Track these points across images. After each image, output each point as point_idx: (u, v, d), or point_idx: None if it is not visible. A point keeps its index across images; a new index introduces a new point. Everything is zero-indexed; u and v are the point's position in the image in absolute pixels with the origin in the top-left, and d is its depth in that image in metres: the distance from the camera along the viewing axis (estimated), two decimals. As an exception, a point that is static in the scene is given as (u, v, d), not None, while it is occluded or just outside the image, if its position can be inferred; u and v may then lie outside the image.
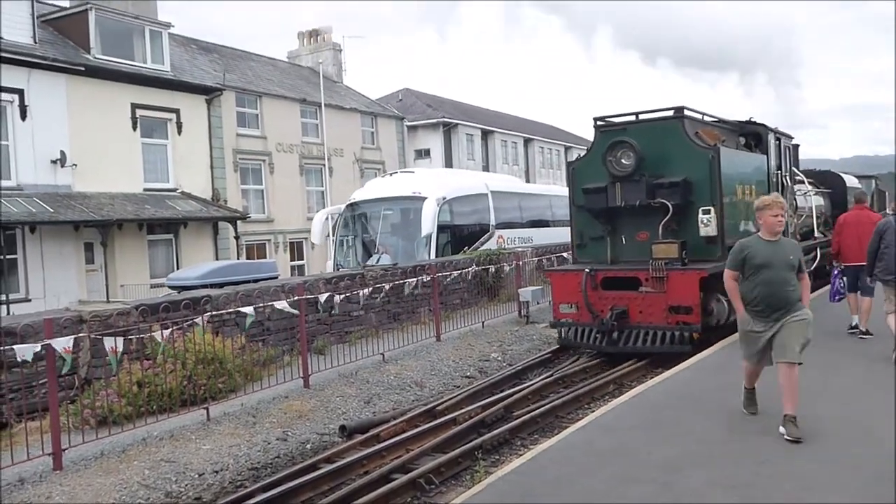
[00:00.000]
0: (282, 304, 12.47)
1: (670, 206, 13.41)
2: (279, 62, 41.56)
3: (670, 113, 14.14)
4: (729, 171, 13.85)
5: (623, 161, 13.63)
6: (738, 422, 7.75)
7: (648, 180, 13.64)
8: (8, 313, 20.80)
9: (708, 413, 8.10)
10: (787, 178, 17.55)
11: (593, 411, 9.46)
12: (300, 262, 35.84)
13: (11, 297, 23.16)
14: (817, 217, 20.19)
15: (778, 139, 17.06)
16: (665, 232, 13.68)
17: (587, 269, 13.63)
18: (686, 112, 14.15)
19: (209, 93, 31.45)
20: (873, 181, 28.84)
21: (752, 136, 16.27)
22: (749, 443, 6.91)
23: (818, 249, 19.04)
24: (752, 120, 16.60)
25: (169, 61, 30.61)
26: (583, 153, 16.09)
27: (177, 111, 30.13)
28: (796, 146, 21.58)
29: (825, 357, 10.33)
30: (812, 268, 18.16)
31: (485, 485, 6.45)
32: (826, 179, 22.63)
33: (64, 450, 8.84)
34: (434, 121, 47.76)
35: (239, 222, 30.85)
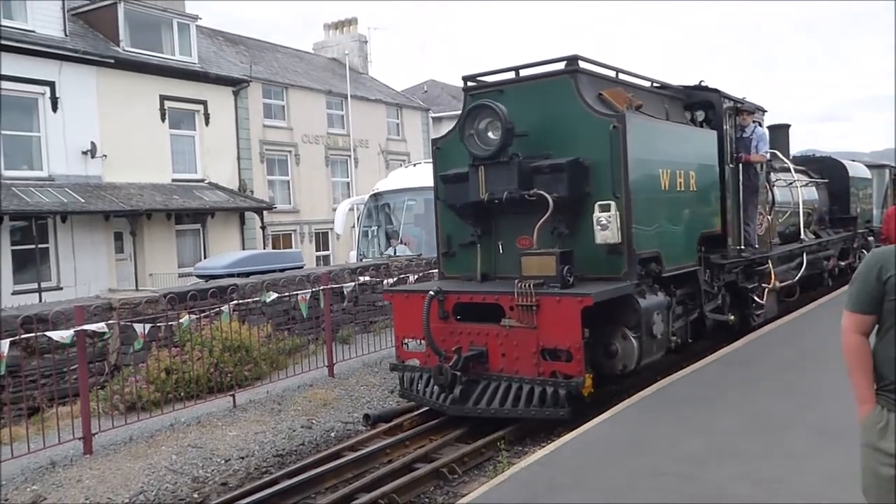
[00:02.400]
0: (306, 294, 11.98)
1: (550, 200, 8.56)
2: (305, 54, 39.57)
3: (561, 66, 9.25)
4: (645, 149, 9.04)
5: (489, 135, 8.96)
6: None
7: (523, 163, 8.87)
8: (40, 300, 19.61)
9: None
10: (758, 164, 11.91)
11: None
12: (325, 253, 33.67)
13: (43, 285, 21.78)
14: (807, 214, 15.35)
15: (737, 110, 11.77)
16: (545, 237, 8.92)
17: (431, 291, 8.91)
18: (582, 64, 9.16)
19: (236, 84, 29.41)
20: (887, 171, 22.25)
21: (704, 106, 11.29)
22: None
23: (804, 256, 14.37)
24: (702, 84, 11.50)
25: (196, 53, 28.52)
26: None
27: (204, 102, 28.13)
28: (786, 126, 17.06)
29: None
30: (797, 278, 13.83)
31: (508, 475, 6.14)
32: (823, 168, 17.74)
33: (94, 434, 8.66)
34: (459, 112, 47.64)
35: (265, 213, 28.80)
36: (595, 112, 8.92)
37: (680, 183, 9.81)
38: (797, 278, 13.95)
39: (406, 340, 9.59)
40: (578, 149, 8.99)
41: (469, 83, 10.06)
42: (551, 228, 8.99)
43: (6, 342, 8.32)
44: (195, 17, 29.06)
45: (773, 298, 12.87)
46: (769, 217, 12.77)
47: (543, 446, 7.60)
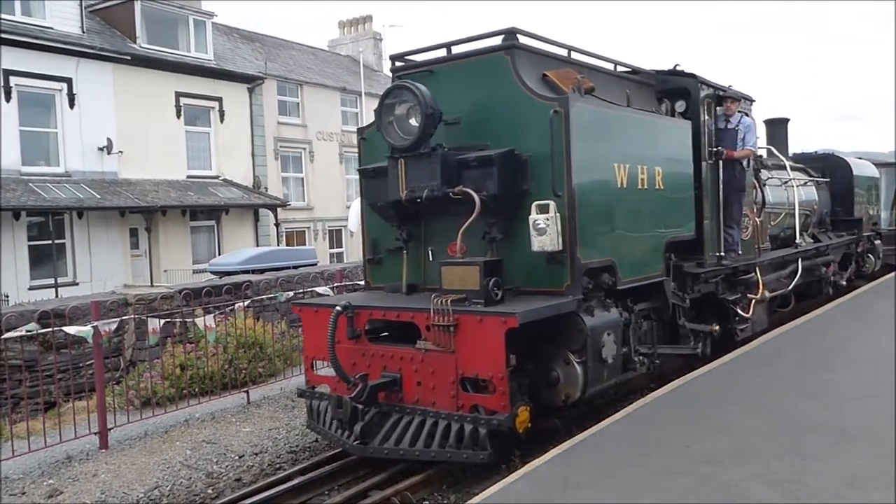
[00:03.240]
0: (323, 290, 11.20)
1: (477, 200, 6.67)
2: (320, 51, 37.44)
3: (498, 42, 7.21)
4: (596, 139, 7.05)
5: (411, 122, 6.97)
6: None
7: (448, 155, 6.94)
8: (56, 296, 19.01)
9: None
10: (744, 160, 9.70)
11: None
12: (339, 250, 32.09)
13: (60, 280, 20.81)
14: (804, 216, 12.97)
15: (719, 99, 9.51)
16: (476, 244, 7.04)
17: (338, 307, 6.91)
18: (522, 39, 7.20)
19: (251, 81, 27.74)
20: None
21: (683, 95, 9.10)
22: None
23: (799, 262, 12.04)
24: (678, 69, 9.26)
25: (212, 50, 27.00)
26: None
27: (219, 99, 26.56)
28: (784, 120, 14.92)
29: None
30: (790, 287, 11.60)
31: (522, 472, 5.64)
32: (826, 166, 15.18)
33: (109, 429, 8.25)
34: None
35: (279, 209, 27.42)
36: (535, 95, 6.91)
37: (642, 181, 7.73)
38: (791, 287, 11.76)
39: (316, 362, 7.63)
40: (517, 139, 7.01)
41: (397, 63, 8.08)
42: (483, 233, 7.03)
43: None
44: (211, 14, 27.49)
45: (762, 309, 10.81)
46: (758, 220, 10.66)
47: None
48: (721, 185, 9.28)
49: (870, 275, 16.21)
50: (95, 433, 8.17)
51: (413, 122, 6.93)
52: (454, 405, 6.45)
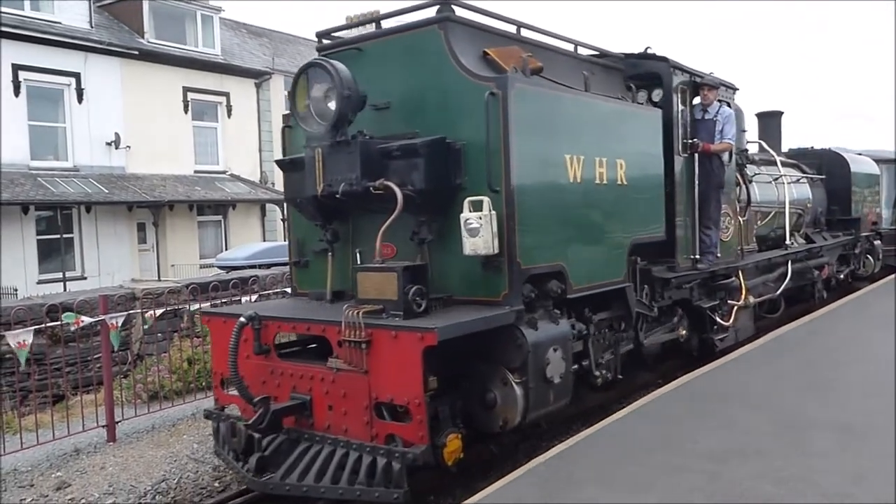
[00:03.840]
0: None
1: (399, 195, 5.43)
2: None
3: (432, 13, 5.94)
4: (542, 126, 5.79)
5: (329, 106, 5.66)
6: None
7: (370, 144, 5.67)
8: (65, 290, 18.32)
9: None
10: (725, 153, 8.33)
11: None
12: None
13: (68, 274, 20.11)
14: (796, 215, 11.64)
15: (695, 86, 8.18)
16: (405, 246, 5.90)
17: (243, 317, 5.70)
18: (458, 11, 5.94)
19: (258, 76, 26.72)
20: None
21: (656, 81, 7.85)
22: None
23: (789, 265, 10.67)
24: (650, 52, 7.94)
25: (220, 45, 26.00)
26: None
27: (227, 94, 25.47)
28: (778, 113, 13.28)
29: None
30: (779, 292, 10.39)
31: (526, 469, 5.30)
32: (822, 162, 13.67)
33: (117, 422, 7.92)
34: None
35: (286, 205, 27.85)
36: (470, 75, 5.66)
37: (600, 174, 6.48)
38: (779, 292, 10.42)
39: (224, 379, 6.38)
40: (451, 125, 5.77)
41: (323, 41, 6.86)
42: (411, 233, 5.82)
43: (30, 331, 7.64)
44: (219, 10, 26.38)
45: (747, 316, 9.52)
46: (742, 219, 9.35)
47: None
48: (697, 182, 7.99)
49: (868, 277, 14.71)
50: (103, 426, 7.88)
51: (332, 105, 5.69)
52: (368, 434, 5.25)
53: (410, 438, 5.02)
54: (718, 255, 8.32)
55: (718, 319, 8.52)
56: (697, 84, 8.19)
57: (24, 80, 20.31)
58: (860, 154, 15.19)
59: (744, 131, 10.72)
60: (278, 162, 6.66)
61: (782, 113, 13.40)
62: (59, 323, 8.20)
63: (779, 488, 4.65)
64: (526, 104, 5.64)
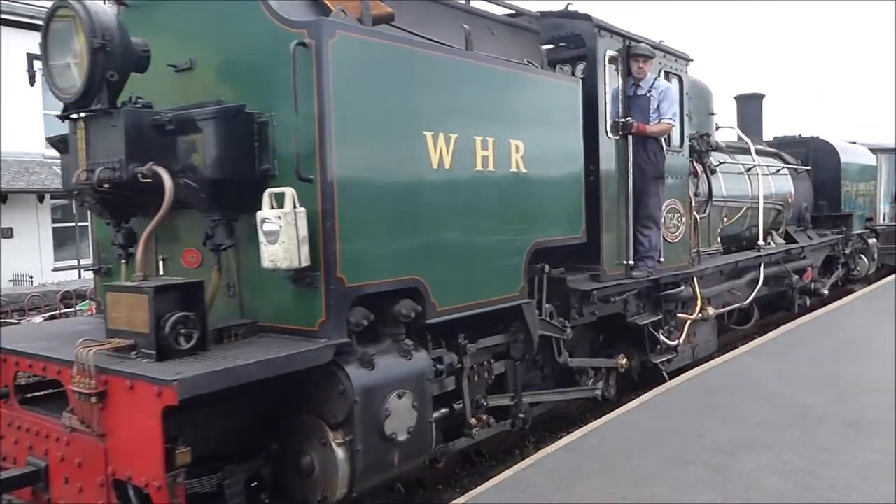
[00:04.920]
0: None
1: (167, 185, 3.78)
2: None
3: None
4: (386, 92, 4.10)
5: (76, 61, 3.95)
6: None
7: (138, 115, 3.96)
8: (79, 277, 18.37)
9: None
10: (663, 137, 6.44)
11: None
12: None
13: (83, 262, 18.87)
14: (775, 211, 9.78)
15: (629, 53, 6.21)
16: (204, 252, 4.31)
17: None
18: None
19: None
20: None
21: (577, 44, 6.06)
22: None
23: (761, 269, 8.82)
24: (570, 9, 6.19)
25: None
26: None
27: None
28: (758, 96, 11.43)
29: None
30: (748, 300, 8.62)
31: (533, 459, 5.02)
32: (808, 151, 11.68)
33: None
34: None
35: None
36: (280, 21, 3.94)
37: (483, 159, 4.70)
38: (749, 300, 8.61)
39: None
40: (259, 91, 4.06)
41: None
42: (204, 237, 4.09)
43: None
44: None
45: (709, 330, 7.77)
46: (698, 216, 7.56)
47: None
48: (631, 170, 6.22)
49: (863, 279, 12.77)
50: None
51: (79, 61, 3.99)
52: (111, 516, 3.58)
53: (158, 535, 3.33)
54: (662, 259, 6.55)
55: (662, 337, 6.76)
56: (632, 52, 6.27)
57: (39, 69, 18.58)
58: (855, 143, 13.22)
59: (712, 114, 8.92)
60: (49, 140, 4.95)
61: (763, 96, 11.42)
62: (73, 309, 7.66)
63: (786, 481, 4.44)
64: (355, 60, 3.92)
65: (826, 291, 10.49)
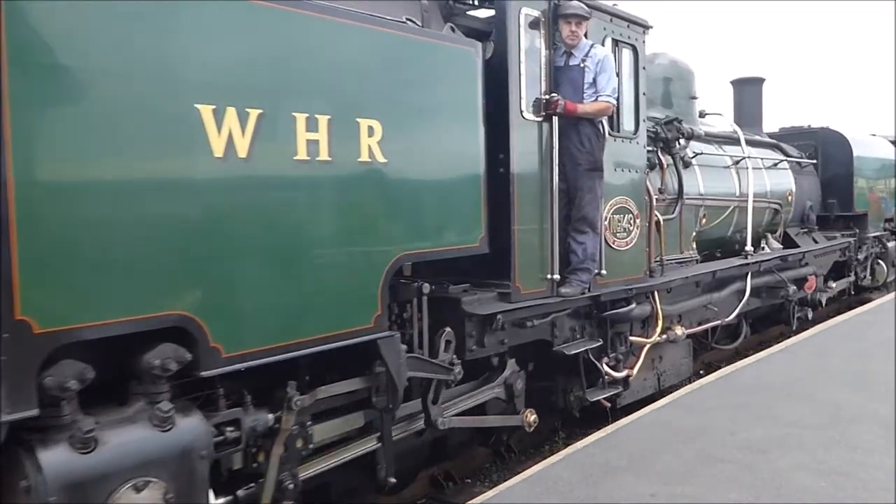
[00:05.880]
0: None
1: None
2: None
3: None
4: (121, 53, 2.69)
5: None
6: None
7: None
8: None
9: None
10: (600, 119, 4.89)
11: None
12: None
13: None
14: (772, 211, 8.33)
15: (556, 14, 4.74)
16: None
17: None
18: None
19: None
20: None
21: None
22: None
23: (748, 279, 7.35)
24: None
25: None
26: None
27: None
28: (758, 80, 9.76)
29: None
30: (732, 315, 7.14)
31: (563, 455, 4.79)
32: (816, 143, 10.04)
33: None
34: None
35: None
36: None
37: (311, 145, 3.29)
38: (733, 315, 7.03)
39: None
40: None
41: None
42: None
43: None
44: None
45: (680, 352, 6.25)
46: (662, 218, 6.02)
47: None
48: (555, 161, 4.71)
49: (880, 287, 10.96)
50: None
51: None
52: None
53: None
54: (603, 272, 5.04)
55: (606, 368, 5.26)
56: (561, 12, 4.78)
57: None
58: (875, 136, 11.42)
59: (693, 98, 7.37)
60: None
61: (763, 80, 9.65)
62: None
63: (819, 481, 4.22)
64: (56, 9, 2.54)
65: (824, 300, 8.78)
